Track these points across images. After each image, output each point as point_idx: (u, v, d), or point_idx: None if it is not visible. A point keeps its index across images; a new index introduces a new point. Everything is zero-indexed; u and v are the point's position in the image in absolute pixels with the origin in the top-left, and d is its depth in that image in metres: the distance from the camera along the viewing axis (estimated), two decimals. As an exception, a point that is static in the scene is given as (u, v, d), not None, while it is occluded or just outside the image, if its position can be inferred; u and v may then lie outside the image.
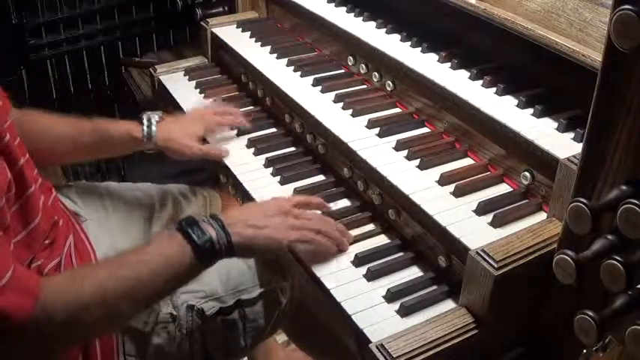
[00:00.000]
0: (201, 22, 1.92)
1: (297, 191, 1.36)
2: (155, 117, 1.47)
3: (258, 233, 1.15)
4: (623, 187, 0.80)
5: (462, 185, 1.21)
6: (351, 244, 1.24)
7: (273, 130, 1.61)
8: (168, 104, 1.79)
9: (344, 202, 1.36)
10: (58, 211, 1.31)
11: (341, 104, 1.47)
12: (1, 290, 0.89)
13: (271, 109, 1.65)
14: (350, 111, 1.44)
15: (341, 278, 1.17)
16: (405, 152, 1.31)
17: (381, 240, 1.27)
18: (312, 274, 1.19)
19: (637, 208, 0.74)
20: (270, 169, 1.45)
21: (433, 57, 1.44)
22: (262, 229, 1.15)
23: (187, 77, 1.84)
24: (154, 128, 1.45)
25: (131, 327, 1.23)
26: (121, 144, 1.47)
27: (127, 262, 1.05)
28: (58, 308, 0.95)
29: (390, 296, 1.11)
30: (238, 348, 1.37)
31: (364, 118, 1.41)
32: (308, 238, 1.19)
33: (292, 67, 1.64)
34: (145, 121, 1.46)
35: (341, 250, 1.22)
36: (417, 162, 1.28)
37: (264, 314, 1.38)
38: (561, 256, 0.83)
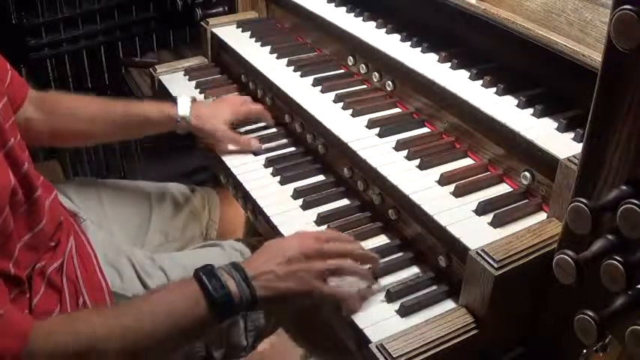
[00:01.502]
0: (201, 22, 1.92)
1: (297, 191, 1.36)
2: (188, 99, 1.52)
3: (283, 285, 1.05)
4: (623, 187, 0.80)
5: (461, 185, 1.21)
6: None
7: (274, 130, 1.61)
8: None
9: (344, 202, 1.36)
10: (61, 212, 1.31)
11: (341, 104, 1.47)
12: None
13: (271, 109, 1.65)
14: (350, 111, 1.44)
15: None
16: (405, 152, 1.31)
17: (381, 240, 1.27)
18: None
19: (637, 208, 0.74)
20: (270, 169, 1.45)
21: (433, 57, 1.44)
22: (287, 280, 1.05)
23: (187, 77, 1.84)
24: (188, 109, 1.49)
25: None
26: (154, 124, 1.51)
27: (127, 311, 1.00)
28: (44, 355, 0.93)
29: (390, 296, 1.11)
30: (239, 347, 1.38)
31: (364, 118, 1.41)
32: (342, 293, 1.09)
33: (292, 67, 1.64)
34: (179, 102, 1.50)
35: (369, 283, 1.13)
36: (417, 162, 1.28)
37: (265, 313, 1.38)
38: (561, 256, 0.83)
